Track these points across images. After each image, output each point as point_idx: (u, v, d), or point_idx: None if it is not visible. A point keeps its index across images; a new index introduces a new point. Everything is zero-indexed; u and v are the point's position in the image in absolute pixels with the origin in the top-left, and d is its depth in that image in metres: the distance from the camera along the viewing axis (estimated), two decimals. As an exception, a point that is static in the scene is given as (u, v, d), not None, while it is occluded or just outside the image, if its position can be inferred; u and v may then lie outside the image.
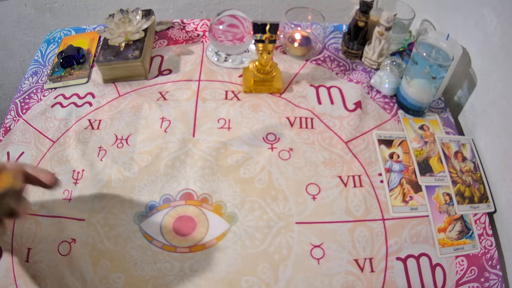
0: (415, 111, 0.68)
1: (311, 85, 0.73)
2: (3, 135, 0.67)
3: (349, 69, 0.76)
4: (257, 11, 1.11)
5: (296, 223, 0.55)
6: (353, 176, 0.60)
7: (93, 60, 0.77)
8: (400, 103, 0.69)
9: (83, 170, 0.60)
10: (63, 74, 0.74)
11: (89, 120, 0.67)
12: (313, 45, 0.78)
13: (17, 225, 0.55)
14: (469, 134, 0.68)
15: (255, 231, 0.55)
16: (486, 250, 0.56)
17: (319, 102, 0.70)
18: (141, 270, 0.51)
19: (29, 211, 0.42)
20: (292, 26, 0.79)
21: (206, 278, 0.51)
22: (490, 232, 0.57)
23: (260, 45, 0.64)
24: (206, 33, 0.83)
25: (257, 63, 0.68)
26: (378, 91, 0.73)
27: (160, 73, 0.74)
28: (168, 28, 0.84)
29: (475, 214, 0.58)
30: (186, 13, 1.09)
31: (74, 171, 0.60)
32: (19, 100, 0.71)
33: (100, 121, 0.66)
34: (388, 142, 0.65)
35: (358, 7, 0.73)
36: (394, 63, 0.73)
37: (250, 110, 0.68)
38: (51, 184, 0.42)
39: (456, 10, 0.71)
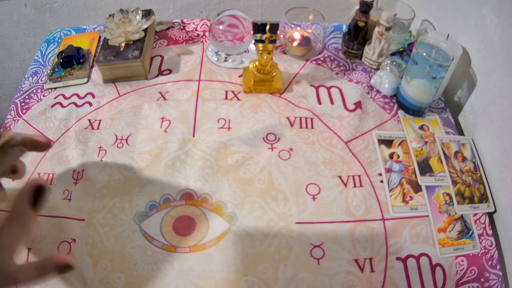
0: (415, 111, 0.68)
1: (311, 85, 0.73)
2: (3, 135, 0.67)
3: (349, 69, 0.76)
4: (257, 11, 1.11)
5: (296, 223, 0.55)
6: (353, 176, 0.60)
7: (93, 60, 0.77)
8: (400, 103, 0.69)
9: (83, 170, 0.60)
10: (63, 74, 0.74)
11: (89, 120, 0.67)
12: (313, 45, 0.78)
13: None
14: (469, 134, 0.68)
15: (255, 231, 0.55)
16: (486, 250, 0.56)
17: (319, 102, 0.70)
18: (141, 270, 0.51)
19: (25, 172, 0.42)
20: (292, 26, 0.79)
21: (206, 278, 0.51)
22: (490, 232, 0.57)
23: (260, 45, 0.64)
24: (206, 33, 0.83)
25: (257, 63, 0.68)
26: (378, 91, 0.73)
27: (160, 73, 0.74)
28: (168, 28, 0.84)
29: (475, 214, 0.58)
30: (186, 13, 1.09)
31: (74, 171, 0.60)
32: (19, 100, 0.71)
33: (100, 121, 0.66)
34: (388, 142, 0.65)
35: (358, 7, 0.73)
36: (394, 63, 0.73)
37: (250, 110, 0.68)
38: (42, 143, 0.42)
39: (456, 10, 0.71)
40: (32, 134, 0.42)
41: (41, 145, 0.42)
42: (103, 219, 0.55)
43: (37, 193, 0.31)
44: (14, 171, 0.42)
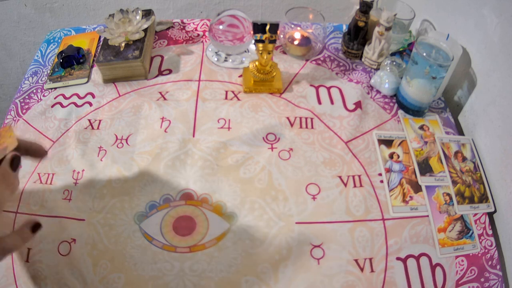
0: (415, 111, 0.68)
1: (311, 85, 0.73)
2: (3, 135, 0.66)
3: (349, 69, 0.76)
4: (257, 11, 1.11)
5: (296, 223, 0.55)
6: (353, 176, 0.60)
7: (93, 60, 0.77)
8: (400, 103, 0.69)
9: (83, 170, 0.60)
10: (63, 74, 0.74)
11: (89, 120, 0.67)
12: (313, 45, 0.78)
13: (17, 225, 0.55)
14: (469, 134, 0.68)
15: (255, 231, 0.55)
16: (486, 250, 0.56)
17: (319, 102, 0.70)
18: (141, 270, 0.51)
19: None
20: (292, 26, 0.79)
21: (206, 278, 0.51)
22: (490, 232, 0.57)
23: (260, 45, 0.64)
24: (206, 33, 0.83)
25: (257, 63, 0.68)
26: (378, 91, 0.73)
27: (160, 73, 0.74)
28: (168, 28, 0.84)
29: (475, 214, 0.58)
30: (186, 13, 1.09)
31: (74, 171, 0.60)
32: (19, 100, 0.71)
33: (100, 121, 0.66)
34: (388, 142, 0.65)
35: (358, 7, 0.73)
36: (394, 63, 0.73)
37: (250, 110, 0.68)
38: (41, 152, 0.44)
39: (456, 10, 0.71)
40: (29, 141, 0.43)
41: (36, 153, 0.44)
42: (103, 219, 0.55)
43: (13, 160, 0.39)
44: None
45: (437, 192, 0.60)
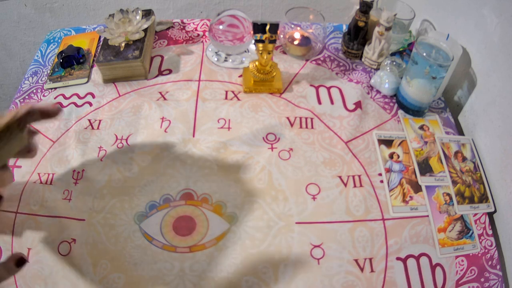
0: (415, 111, 0.68)
1: (311, 85, 0.73)
2: (3, 135, 0.66)
3: (349, 69, 0.76)
4: (257, 11, 1.11)
5: (296, 223, 0.55)
6: (353, 176, 0.60)
7: (93, 60, 0.77)
8: (400, 103, 0.69)
9: (83, 170, 0.60)
10: (63, 74, 0.74)
11: (89, 120, 0.67)
12: (313, 45, 0.78)
13: (17, 225, 0.55)
14: (469, 134, 0.68)
15: (255, 231, 0.55)
16: (486, 250, 0.56)
17: (319, 102, 0.70)
18: (141, 270, 0.51)
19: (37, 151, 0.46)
20: (292, 26, 0.79)
21: (206, 278, 0.51)
22: (490, 232, 0.57)
23: (260, 45, 0.64)
24: (206, 33, 0.83)
25: (257, 63, 0.68)
26: (378, 91, 0.73)
27: (160, 73, 0.74)
28: (168, 28, 0.84)
29: (475, 214, 0.58)
30: (186, 13, 1.09)
31: (74, 171, 0.60)
32: (19, 100, 0.71)
33: (100, 121, 0.66)
34: (388, 142, 0.65)
35: (358, 7, 0.73)
36: (394, 63, 0.73)
37: (250, 110, 0.68)
38: (53, 110, 0.44)
39: (456, 10, 0.71)
40: (40, 104, 0.44)
41: (50, 113, 0.44)
42: (103, 219, 0.55)
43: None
44: (28, 151, 0.45)
45: (437, 192, 0.60)
